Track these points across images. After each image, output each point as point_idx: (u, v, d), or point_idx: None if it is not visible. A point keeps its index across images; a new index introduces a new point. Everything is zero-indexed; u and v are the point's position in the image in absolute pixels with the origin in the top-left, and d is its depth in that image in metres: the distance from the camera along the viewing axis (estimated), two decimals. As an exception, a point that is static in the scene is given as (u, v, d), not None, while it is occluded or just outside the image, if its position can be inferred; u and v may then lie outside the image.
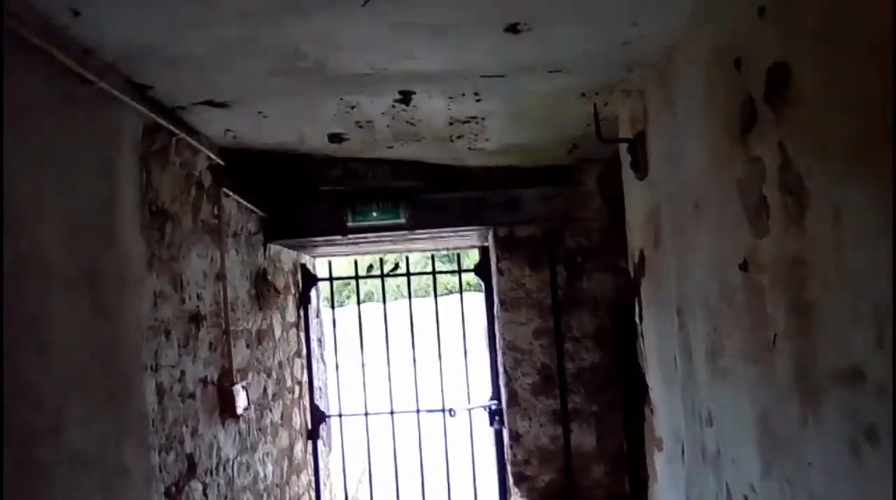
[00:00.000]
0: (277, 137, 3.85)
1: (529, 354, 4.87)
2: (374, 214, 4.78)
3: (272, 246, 5.01)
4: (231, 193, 4.14)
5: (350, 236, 5.06)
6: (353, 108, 3.41)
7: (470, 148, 4.26)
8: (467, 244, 6.10)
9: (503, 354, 4.89)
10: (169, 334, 3.19)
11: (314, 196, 4.80)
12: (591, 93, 3.36)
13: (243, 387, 3.96)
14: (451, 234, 5.21)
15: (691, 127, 2.71)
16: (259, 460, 4.40)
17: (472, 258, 6.48)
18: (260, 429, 4.47)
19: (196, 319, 3.52)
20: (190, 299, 3.47)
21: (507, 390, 4.88)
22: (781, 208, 2.03)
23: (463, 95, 3.27)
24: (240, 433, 4.05)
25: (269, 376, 4.74)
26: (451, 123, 3.73)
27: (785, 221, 2.01)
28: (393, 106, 3.39)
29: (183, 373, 3.30)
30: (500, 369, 5.05)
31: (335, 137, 3.91)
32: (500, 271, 4.91)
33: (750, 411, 2.34)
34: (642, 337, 3.64)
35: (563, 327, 4.85)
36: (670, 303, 3.08)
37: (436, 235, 5.24)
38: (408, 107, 3.41)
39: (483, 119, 3.68)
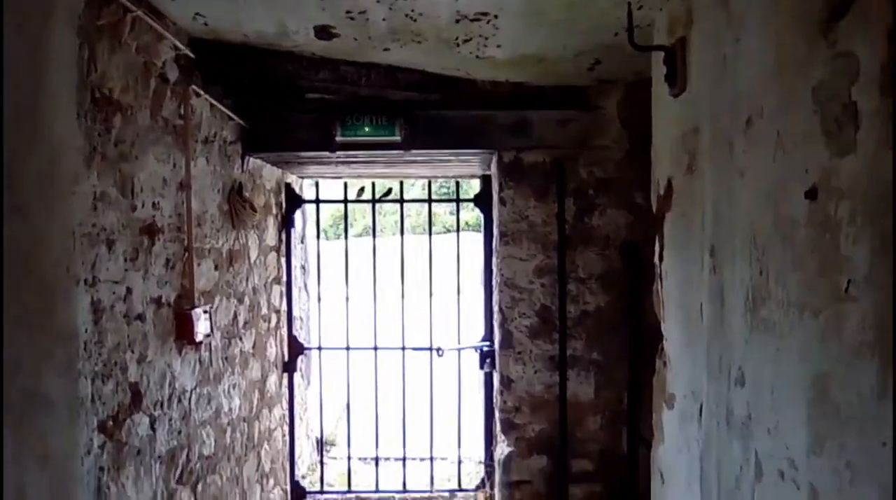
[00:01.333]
0: (256, 25, 3.31)
1: (529, 293, 4.43)
2: (367, 129, 4.28)
3: (251, 159, 4.52)
4: (203, 93, 3.63)
5: (339, 155, 4.56)
6: (342, -9, 2.88)
7: (478, 56, 3.73)
8: (468, 173, 5.60)
9: (500, 291, 4.45)
10: (112, 244, 2.72)
11: (300, 104, 4.29)
12: (625, -11, 2.83)
13: (206, 311, 3.52)
14: (452, 157, 4.71)
15: (751, 25, 2.20)
16: (224, 392, 3.99)
17: (473, 189, 5.98)
18: (227, 358, 4.05)
19: (150, 230, 3.06)
20: (143, 207, 3.00)
21: (501, 331, 4.46)
22: (876, 118, 1.55)
23: (472, -20, 2.73)
24: (200, 362, 3.62)
25: (240, 301, 4.30)
26: (457, 21, 3.20)
27: (880, 135, 1.53)
28: (389, -9, 2.87)
29: (129, 291, 2.85)
30: (496, 308, 4.61)
31: (323, 32, 3.37)
32: (502, 201, 4.43)
33: (800, 373, 1.89)
34: (661, 280, 3.19)
35: (568, 265, 4.39)
36: (701, 241, 2.61)
37: (434, 157, 4.74)
38: (407, -6, 2.88)
39: (495, 17, 3.15)
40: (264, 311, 4.86)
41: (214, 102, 3.80)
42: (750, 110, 2.18)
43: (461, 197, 5.55)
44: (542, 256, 4.41)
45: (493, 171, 4.71)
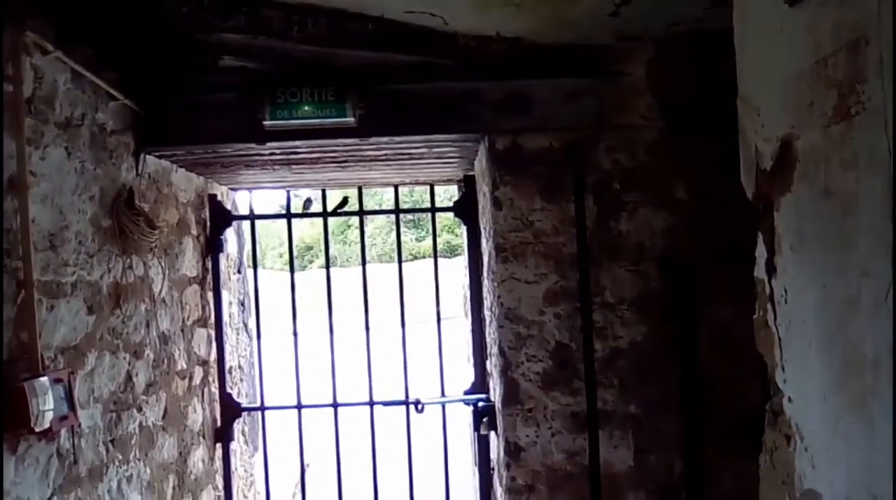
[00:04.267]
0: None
1: (539, 327, 3.24)
2: (307, 109, 3.08)
3: (150, 158, 3.30)
4: (54, 50, 2.42)
5: (272, 149, 3.37)
6: None
7: (460, -10, 2.57)
8: (446, 175, 4.43)
9: (499, 327, 3.25)
10: None
11: (212, 78, 3.09)
12: None
13: (59, 380, 2.27)
14: (424, 149, 3.53)
15: None
16: (110, 492, 2.72)
17: (448, 196, 4.79)
18: (114, 441, 2.80)
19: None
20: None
21: (503, 381, 3.25)
22: None
23: None
24: (59, 457, 2.37)
25: (136, 355, 3.05)
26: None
27: None
28: None
29: None
30: (494, 350, 3.40)
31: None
32: (497, 203, 3.25)
33: None
34: (772, 303, 2.01)
35: (591, 287, 3.21)
36: (878, 235, 1.45)
37: (401, 150, 3.56)
38: None
39: None
40: (181, 364, 3.60)
41: (79, 68, 2.59)
42: None
43: (437, 206, 4.34)
44: (556, 275, 3.24)
45: (482, 165, 3.54)
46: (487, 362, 4.06)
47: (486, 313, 3.76)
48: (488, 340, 3.90)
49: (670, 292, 3.24)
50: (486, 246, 3.63)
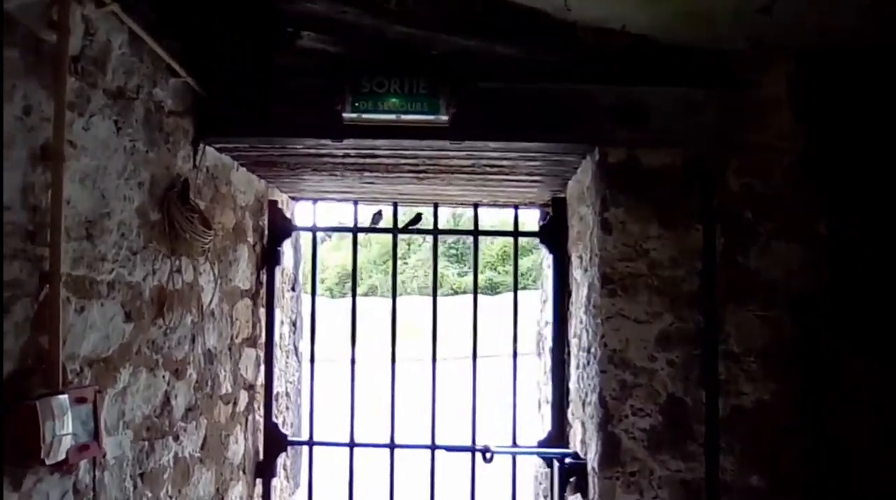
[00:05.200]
0: None
1: (649, 376, 2.73)
2: (395, 101, 2.65)
3: (210, 149, 2.90)
4: (113, 3, 2.04)
5: (348, 147, 2.95)
6: None
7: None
8: (530, 196, 3.96)
9: (601, 373, 2.74)
10: None
11: (285, 54, 2.68)
12: None
13: (80, 400, 1.84)
14: (518, 158, 3.07)
15: None
16: (132, 536, 2.27)
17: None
18: (143, 476, 2.35)
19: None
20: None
21: (601, 437, 2.74)
22: None
23: None
24: (75, 492, 1.93)
25: (177, 374, 2.62)
26: None
27: None
28: None
29: None
30: (591, 398, 2.89)
31: None
32: (605, 226, 2.77)
33: None
34: None
35: (716, 332, 2.70)
36: None
37: (492, 161, 3.11)
38: None
39: None
40: (226, 388, 3.17)
41: (139, 31, 2.20)
42: None
43: (520, 230, 3.87)
44: (671, 315, 2.73)
45: (582, 183, 3.07)
46: (568, 411, 3.56)
47: (577, 354, 3.26)
48: (573, 385, 3.40)
49: (804, 344, 2.71)
50: (582, 277, 3.14)
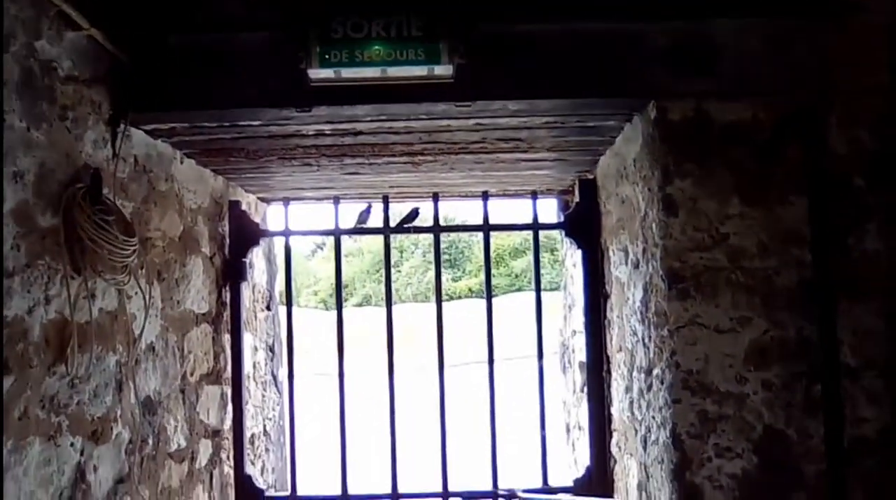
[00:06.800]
0: None
1: (737, 403, 2.03)
2: (378, 49, 1.94)
3: (137, 131, 2.19)
4: None
5: (318, 119, 2.24)
6: None
7: None
8: (548, 182, 3.26)
9: (673, 403, 2.04)
10: None
11: (230, 3, 1.98)
12: None
13: None
14: (542, 127, 2.37)
15: None
16: None
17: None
18: None
19: None
20: None
21: (675, 488, 2.03)
22: None
23: None
24: None
25: (96, 438, 1.90)
26: None
27: None
28: None
29: None
30: (660, 436, 2.17)
31: None
32: (669, 205, 2.07)
33: None
34: None
35: (833, 341, 2.00)
36: None
37: (507, 134, 2.41)
38: None
39: None
40: (177, 442, 2.45)
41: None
42: None
43: (540, 223, 3.15)
44: (765, 321, 2.03)
45: (631, 154, 2.36)
46: (612, 442, 2.86)
47: (627, 374, 2.55)
48: (619, 411, 2.70)
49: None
50: (630, 275, 2.44)
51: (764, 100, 2.09)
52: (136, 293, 2.12)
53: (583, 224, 2.99)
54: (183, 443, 2.49)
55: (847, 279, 2.04)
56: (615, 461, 2.85)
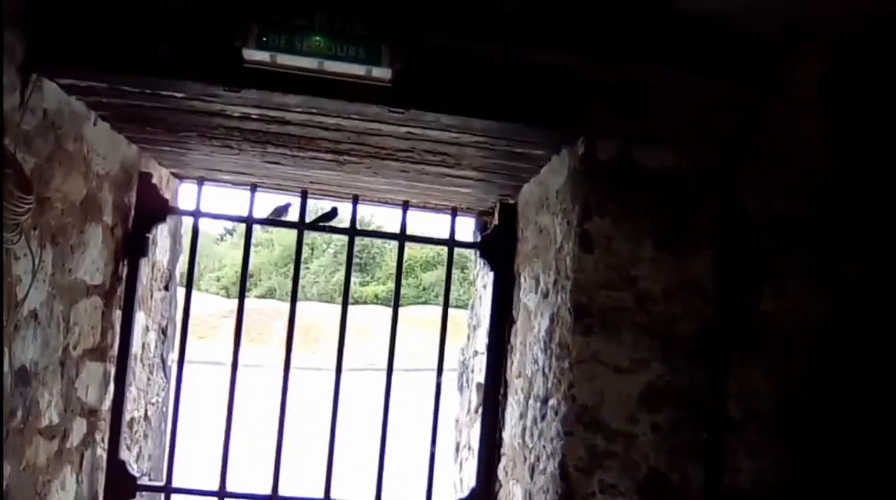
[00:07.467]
0: None
1: (626, 442, 2.06)
2: (319, 41, 1.89)
3: (48, 85, 2.06)
4: None
5: (250, 111, 2.17)
6: None
7: None
8: (469, 200, 3.27)
9: (565, 435, 2.05)
10: None
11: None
12: None
13: None
14: (471, 145, 2.36)
15: None
16: None
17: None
18: None
19: None
20: None
21: (557, 521, 2.05)
22: None
23: None
24: None
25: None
26: None
27: None
28: None
29: None
30: (548, 466, 2.18)
31: None
32: (585, 241, 2.09)
33: None
34: None
35: (720, 392, 2.06)
36: None
37: (437, 148, 2.40)
38: None
39: None
40: (49, 418, 2.31)
41: None
42: None
43: (457, 240, 3.14)
44: (662, 365, 2.07)
45: (555, 185, 2.38)
46: (500, 466, 2.87)
47: (523, 401, 2.56)
48: (510, 437, 2.71)
49: (821, 413, 2.11)
50: (538, 305, 2.46)
51: (688, 150, 2.14)
52: (25, 255, 1.99)
53: (498, 248, 3.00)
54: (55, 419, 2.35)
55: (742, 336, 2.11)
56: (501, 486, 2.86)
